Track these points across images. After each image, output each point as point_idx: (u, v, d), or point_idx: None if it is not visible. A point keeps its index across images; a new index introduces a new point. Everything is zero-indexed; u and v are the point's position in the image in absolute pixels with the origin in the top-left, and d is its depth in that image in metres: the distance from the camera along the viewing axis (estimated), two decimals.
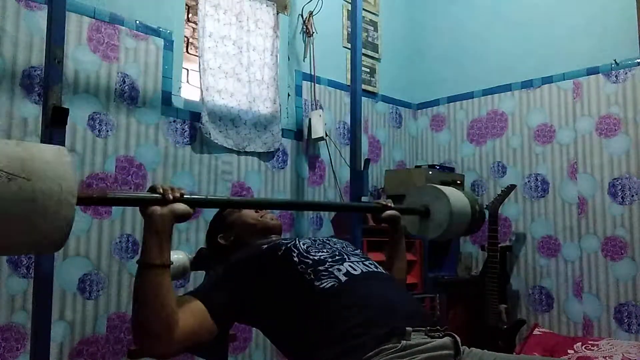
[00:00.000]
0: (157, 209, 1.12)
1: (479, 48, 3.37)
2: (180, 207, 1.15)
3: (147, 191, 1.17)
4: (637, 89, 2.71)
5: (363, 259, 1.32)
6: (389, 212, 1.64)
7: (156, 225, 1.11)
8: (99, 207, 2.12)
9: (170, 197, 1.13)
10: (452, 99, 3.48)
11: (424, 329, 1.11)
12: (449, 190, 1.74)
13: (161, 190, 1.14)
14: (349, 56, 2.94)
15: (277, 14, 2.83)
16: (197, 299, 1.20)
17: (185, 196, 1.16)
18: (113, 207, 2.16)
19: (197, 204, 1.23)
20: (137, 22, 2.31)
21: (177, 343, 1.10)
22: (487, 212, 2.88)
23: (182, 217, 1.15)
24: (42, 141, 1.36)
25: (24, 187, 0.88)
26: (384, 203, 1.66)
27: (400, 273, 1.64)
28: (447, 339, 1.12)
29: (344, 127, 3.13)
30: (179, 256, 1.60)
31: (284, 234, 1.64)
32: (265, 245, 1.36)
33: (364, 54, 3.04)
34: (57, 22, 1.63)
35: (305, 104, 2.96)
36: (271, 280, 1.26)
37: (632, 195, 2.69)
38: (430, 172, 3.04)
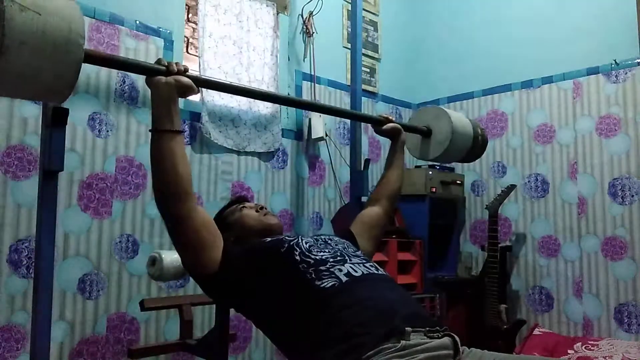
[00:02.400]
0: (162, 77, 1.22)
1: (479, 48, 3.37)
2: (184, 79, 1.24)
3: (154, 63, 1.26)
4: (637, 89, 2.71)
5: (364, 261, 1.33)
6: (390, 124, 1.75)
7: (162, 93, 1.21)
8: (99, 207, 2.12)
9: (175, 69, 1.23)
10: (452, 99, 3.48)
11: (423, 329, 1.11)
12: (452, 112, 1.80)
13: (166, 63, 1.24)
14: (349, 56, 2.94)
15: (277, 14, 2.83)
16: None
17: (188, 73, 1.26)
18: (113, 208, 2.16)
19: (199, 81, 1.31)
20: (137, 22, 2.31)
21: (191, 209, 1.21)
22: (487, 212, 2.89)
23: (186, 89, 1.25)
24: (42, 141, 1.36)
25: (36, 19, 0.92)
26: (386, 116, 1.77)
27: (396, 182, 1.74)
28: (446, 339, 1.12)
29: (344, 127, 3.13)
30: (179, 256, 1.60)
31: (284, 234, 1.64)
32: (269, 239, 1.37)
33: (364, 54, 3.04)
34: None
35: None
36: (272, 276, 1.26)
37: (632, 195, 2.69)
38: (430, 172, 3.04)
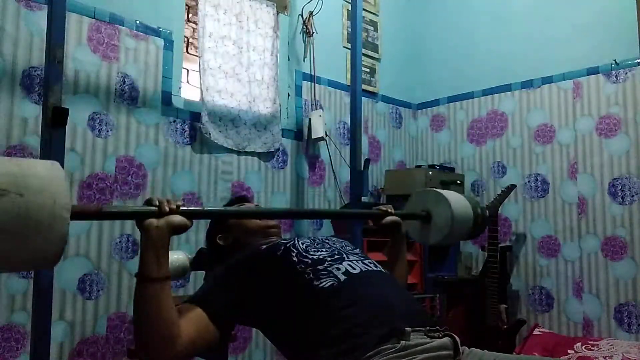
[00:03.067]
0: (154, 221, 1.11)
1: (479, 48, 3.37)
2: (177, 218, 1.13)
3: (144, 204, 1.16)
4: (637, 89, 2.71)
5: (362, 258, 1.32)
6: (389, 217, 1.62)
7: (153, 238, 1.10)
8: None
9: (167, 209, 1.12)
10: (452, 99, 3.48)
11: (423, 329, 1.11)
12: (450, 194, 1.73)
13: (157, 203, 1.12)
14: (349, 56, 2.94)
15: (277, 14, 2.83)
16: (196, 306, 1.20)
17: (181, 208, 1.14)
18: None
19: (194, 216, 1.21)
20: (137, 22, 2.31)
21: (180, 352, 1.11)
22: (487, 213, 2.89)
23: (179, 229, 1.14)
24: (43, 141, 1.36)
25: (17, 202, 0.86)
26: (385, 209, 1.64)
27: (401, 278, 1.63)
28: (446, 339, 1.12)
29: (344, 127, 3.13)
30: (178, 256, 1.61)
31: (283, 235, 1.64)
32: (264, 246, 1.36)
33: (364, 54, 3.04)
34: (57, 22, 1.63)
35: (305, 104, 2.96)
36: (270, 280, 1.26)
37: (632, 195, 2.69)
38: (430, 172, 3.04)
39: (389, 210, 1.63)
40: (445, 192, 1.71)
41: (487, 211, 2.83)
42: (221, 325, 1.20)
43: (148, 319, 1.09)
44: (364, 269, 1.26)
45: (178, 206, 1.14)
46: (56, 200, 0.90)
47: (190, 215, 1.17)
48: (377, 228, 1.65)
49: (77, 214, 1.01)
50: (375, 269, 1.30)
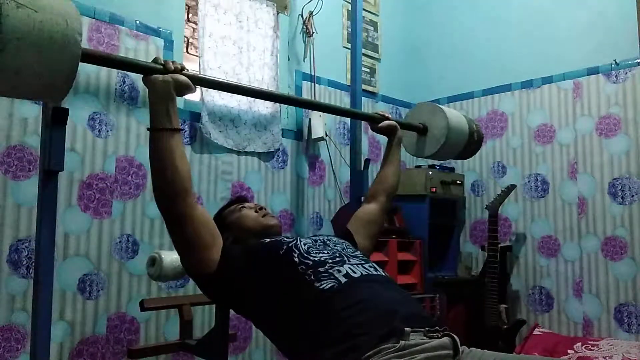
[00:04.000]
0: (159, 76, 1.22)
1: (479, 48, 3.37)
2: (182, 76, 1.24)
3: (151, 62, 1.26)
4: (637, 89, 2.71)
5: (363, 262, 1.32)
6: (387, 121, 1.77)
7: (159, 92, 1.20)
8: (99, 207, 2.12)
9: (172, 67, 1.23)
10: (452, 99, 3.48)
11: (423, 329, 1.11)
12: (446, 108, 1.82)
13: (162, 62, 1.24)
14: (349, 56, 2.94)
15: (277, 14, 2.83)
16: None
17: (185, 71, 1.27)
18: (113, 208, 2.16)
19: (196, 80, 1.31)
20: (137, 22, 2.31)
21: (189, 206, 1.21)
22: (487, 212, 2.89)
23: (184, 87, 1.25)
24: (43, 141, 1.36)
25: (32, 16, 0.93)
26: (383, 113, 1.79)
27: (394, 176, 1.77)
28: (446, 339, 1.12)
29: (344, 127, 3.13)
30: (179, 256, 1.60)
31: (284, 234, 1.64)
32: (267, 240, 1.37)
33: (364, 54, 3.04)
34: None
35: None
36: (271, 277, 1.26)
37: (632, 195, 2.69)
38: (430, 172, 3.04)
39: (387, 114, 1.80)
40: (443, 107, 1.81)
41: (487, 210, 2.85)
42: (221, 265, 1.26)
43: (163, 166, 1.19)
44: (364, 273, 1.26)
45: (183, 67, 1.27)
46: (68, 22, 0.99)
47: (192, 78, 1.28)
48: (375, 130, 1.81)
49: (89, 54, 1.11)
50: (375, 272, 1.30)
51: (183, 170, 1.21)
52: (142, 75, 1.27)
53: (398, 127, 1.80)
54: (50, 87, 1.01)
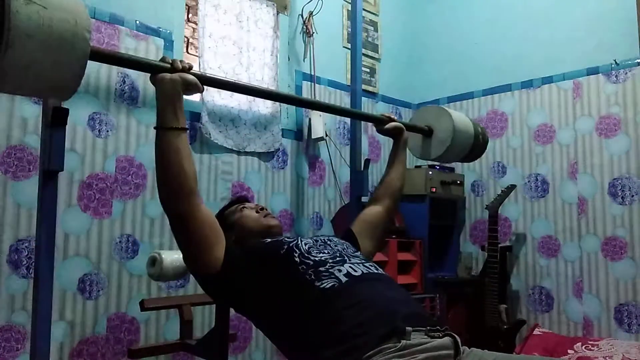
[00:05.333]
0: (167, 74, 1.22)
1: (479, 48, 3.37)
2: (189, 75, 1.24)
3: (159, 61, 1.27)
4: (637, 89, 2.71)
5: (363, 261, 1.33)
6: (392, 123, 1.77)
7: (167, 91, 1.20)
8: (99, 207, 2.12)
9: (179, 66, 1.24)
10: (452, 99, 3.48)
11: (424, 329, 1.11)
12: (452, 110, 1.81)
13: (170, 61, 1.24)
14: (349, 56, 2.94)
15: (277, 14, 2.83)
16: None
17: (192, 71, 1.27)
18: (113, 208, 2.16)
19: (203, 79, 1.32)
20: (137, 22, 2.30)
21: (194, 206, 1.21)
22: (487, 212, 2.89)
23: (191, 86, 1.25)
24: (42, 141, 1.36)
25: (41, 13, 0.92)
26: (389, 115, 1.79)
27: (400, 178, 1.76)
28: (447, 339, 1.12)
29: (344, 127, 3.13)
30: (179, 256, 1.60)
31: (284, 234, 1.64)
32: (269, 240, 1.37)
33: (364, 54, 3.04)
34: None
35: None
36: (272, 277, 1.26)
37: (632, 195, 2.69)
38: (430, 172, 3.04)
39: (392, 116, 1.80)
40: (448, 109, 1.81)
41: (487, 210, 2.85)
42: (225, 264, 1.26)
43: (169, 166, 1.19)
44: (365, 272, 1.26)
45: (191, 66, 1.27)
46: (77, 21, 0.98)
47: (200, 77, 1.29)
48: (381, 132, 1.81)
49: (96, 52, 1.11)
50: (376, 271, 1.30)
51: (189, 170, 1.21)
52: (145, 74, 1.27)
53: (404, 129, 1.79)
54: (59, 85, 1.01)
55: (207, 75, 1.46)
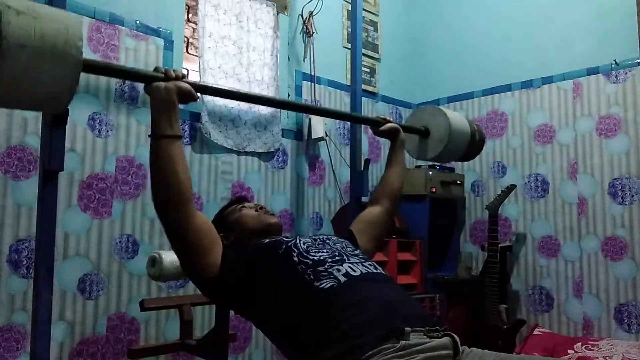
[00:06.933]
0: (162, 83, 1.22)
1: (479, 48, 3.37)
2: (184, 84, 1.25)
3: (152, 71, 1.27)
4: (637, 89, 2.71)
5: (362, 260, 1.32)
6: (389, 124, 1.78)
7: (162, 98, 1.21)
8: (99, 207, 2.12)
9: (173, 75, 1.24)
10: (452, 99, 3.48)
11: (423, 329, 1.11)
12: (447, 110, 1.83)
13: (163, 70, 1.25)
14: (349, 56, 2.94)
15: (277, 14, 2.83)
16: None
17: (185, 79, 1.28)
18: (113, 208, 2.16)
19: (196, 87, 1.32)
20: (137, 22, 2.31)
21: (190, 215, 1.21)
22: (487, 212, 2.89)
23: (186, 95, 1.25)
24: (43, 141, 1.36)
25: (32, 23, 0.93)
26: (385, 117, 1.81)
27: (398, 178, 1.76)
28: (446, 339, 1.12)
29: (344, 127, 3.13)
30: None
31: (284, 234, 1.64)
32: (267, 240, 1.37)
33: (364, 54, 3.04)
34: None
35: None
36: (271, 277, 1.26)
37: (632, 195, 2.69)
38: (430, 172, 3.04)
39: (388, 118, 1.82)
40: (444, 108, 1.82)
41: (487, 210, 2.85)
42: (223, 267, 1.26)
43: (163, 174, 1.19)
44: (364, 271, 1.26)
45: (184, 75, 1.28)
46: (69, 29, 0.99)
47: (193, 85, 1.29)
48: (378, 134, 1.82)
49: (89, 64, 1.12)
50: (375, 271, 1.30)
51: (184, 178, 1.20)
52: (144, 82, 1.27)
53: (400, 129, 1.79)
54: (52, 96, 1.01)
55: (201, 83, 1.47)
